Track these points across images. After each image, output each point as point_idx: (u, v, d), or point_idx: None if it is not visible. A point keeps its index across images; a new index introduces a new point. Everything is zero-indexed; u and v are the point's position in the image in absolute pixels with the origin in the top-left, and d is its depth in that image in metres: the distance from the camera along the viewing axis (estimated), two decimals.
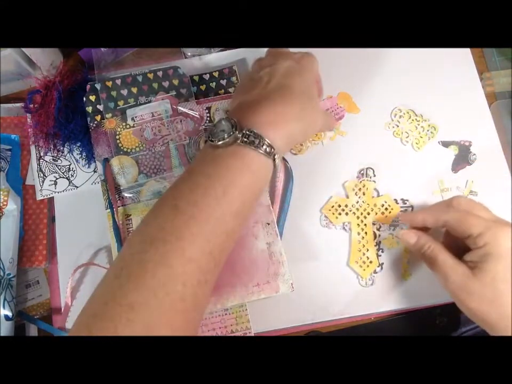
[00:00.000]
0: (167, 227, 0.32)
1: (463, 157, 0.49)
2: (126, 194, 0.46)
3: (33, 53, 0.47)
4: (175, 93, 0.49)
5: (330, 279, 0.46)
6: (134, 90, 0.49)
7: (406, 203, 0.48)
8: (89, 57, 0.50)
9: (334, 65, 0.51)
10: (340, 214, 0.47)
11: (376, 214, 0.47)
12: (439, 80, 0.51)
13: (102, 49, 0.50)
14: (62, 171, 0.49)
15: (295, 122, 0.37)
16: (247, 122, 0.35)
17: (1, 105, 0.50)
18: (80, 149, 0.48)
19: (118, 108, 0.48)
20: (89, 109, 0.48)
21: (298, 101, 0.38)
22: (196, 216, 0.32)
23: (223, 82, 0.50)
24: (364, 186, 0.48)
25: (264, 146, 0.34)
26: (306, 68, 0.41)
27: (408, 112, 0.50)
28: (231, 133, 0.34)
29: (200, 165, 0.36)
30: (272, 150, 0.35)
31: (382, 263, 0.46)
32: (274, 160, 0.36)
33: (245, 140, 0.34)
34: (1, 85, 0.49)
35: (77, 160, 0.49)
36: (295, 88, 0.38)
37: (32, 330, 0.45)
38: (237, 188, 0.34)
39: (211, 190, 0.33)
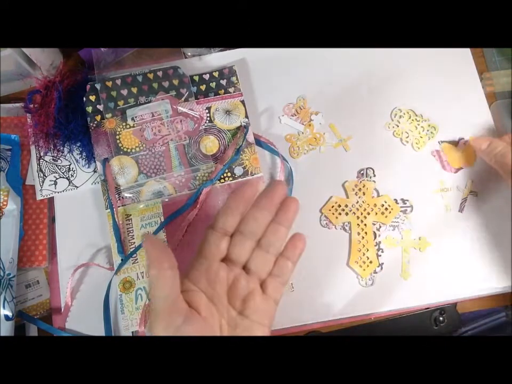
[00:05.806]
0: None
1: None
2: (126, 194, 0.46)
3: (33, 53, 0.47)
4: (175, 93, 0.49)
5: (330, 279, 0.46)
6: (134, 90, 0.49)
7: (406, 203, 0.48)
8: (89, 57, 0.50)
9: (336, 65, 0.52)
10: (339, 214, 0.47)
11: (376, 214, 0.47)
12: (439, 80, 0.51)
13: (102, 49, 0.50)
14: (62, 171, 0.49)
15: None
16: None
17: (1, 105, 0.50)
18: (80, 149, 0.48)
19: (118, 108, 0.48)
20: (89, 109, 0.48)
21: None
22: None
23: (223, 82, 0.50)
24: (363, 186, 0.48)
25: None
26: None
27: (408, 112, 0.50)
28: None
29: None
30: None
31: (382, 263, 0.46)
32: None
33: None
34: (1, 85, 0.49)
35: (77, 160, 0.49)
36: None
37: (32, 330, 0.45)
38: None
39: None
